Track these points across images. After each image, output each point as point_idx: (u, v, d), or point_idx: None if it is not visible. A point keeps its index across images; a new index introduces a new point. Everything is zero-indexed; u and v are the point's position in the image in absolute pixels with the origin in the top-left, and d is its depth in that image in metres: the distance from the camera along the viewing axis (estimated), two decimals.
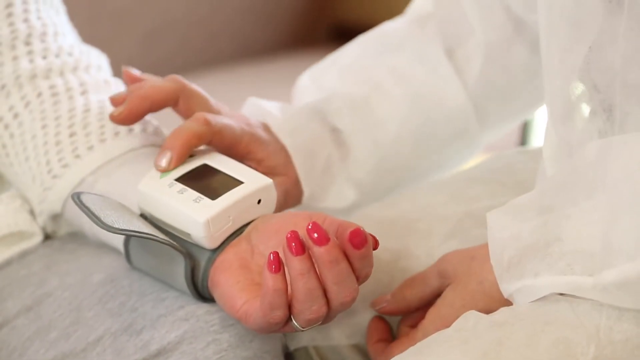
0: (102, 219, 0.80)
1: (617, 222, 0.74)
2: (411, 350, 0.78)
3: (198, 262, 0.83)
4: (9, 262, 0.95)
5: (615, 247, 0.73)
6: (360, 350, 0.94)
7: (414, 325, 0.87)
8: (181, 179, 0.85)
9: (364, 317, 0.93)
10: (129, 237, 0.87)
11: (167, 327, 0.83)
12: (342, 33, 4.74)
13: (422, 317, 0.86)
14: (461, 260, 0.84)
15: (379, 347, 0.89)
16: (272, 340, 0.85)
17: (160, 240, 0.81)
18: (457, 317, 0.79)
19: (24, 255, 0.96)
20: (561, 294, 0.77)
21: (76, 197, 0.83)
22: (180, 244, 0.83)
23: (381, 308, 0.88)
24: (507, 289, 0.79)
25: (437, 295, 0.86)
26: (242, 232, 0.84)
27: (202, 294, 0.84)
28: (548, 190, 0.79)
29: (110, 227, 0.79)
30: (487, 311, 0.79)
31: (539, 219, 0.78)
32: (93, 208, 0.81)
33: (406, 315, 0.89)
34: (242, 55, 4.33)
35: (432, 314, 0.84)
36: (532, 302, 0.77)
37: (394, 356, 0.80)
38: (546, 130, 0.85)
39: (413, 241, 0.95)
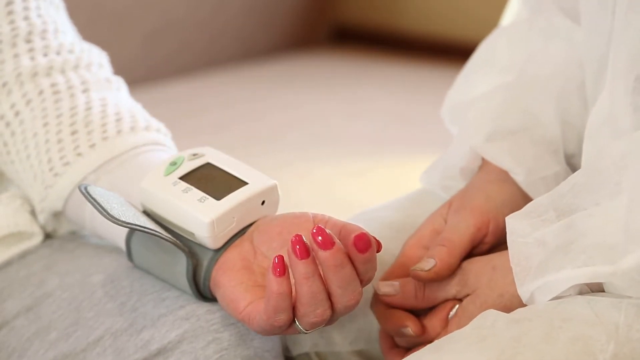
0: (108, 211, 0.80)
1: (636, 212, 0.74)
2: (429, 347, 0.77)
3: (200, 262, 0.82)
4: (9, 263, 0.95)
5: (635, 235, 0.74)
6: (363, 356, 0.93)
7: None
8: (185, 178, 0.84)
9: (367, 321, 0.92)
10: (131, 235, 0.87)
11: (167, 326, 0.83)
12: (342, 35, 4.75)
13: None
14: (482, 269, 0.83)
15: (397, 353, 0.88)
16: (272, 340, 0.85)
17: (164, 237, 0.81)
18: None
19: (24, 255, 0.96)
20: (580, 294, 0.77)
21: (83, 189, 0.82)
22: (182, 242, 0.83)
23: (389, 297, 0.86)
24: (527, 290, 0.78)
25: (450, 299, 0.85)
26: (244, 233, 0.83)
27: (204, 293, 0.83)
28: (568, 192, 0.79)
29: (116, 219, 0.79)
30: None
31: (561, 221, 0.78)
32: (100, 200, 0.81)
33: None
34: (243, 56, 4.33)
35: (452, 325, 0.83)
36: (550, 300, 0.77)
37: None
38: (602, 96, 0.85)
39: None
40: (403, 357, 0.85)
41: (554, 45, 0.97)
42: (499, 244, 0.87)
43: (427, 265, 0.84)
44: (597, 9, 0.86)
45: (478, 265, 0.84)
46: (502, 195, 0.90)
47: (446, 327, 0.84)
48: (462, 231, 0.86)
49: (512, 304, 0.80)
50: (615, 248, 0.75)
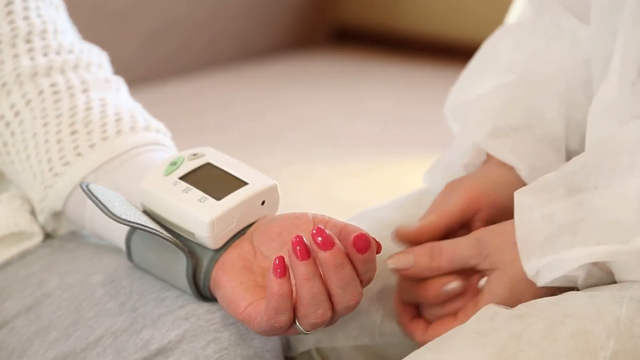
0: (110, 208, 0.80)
1: None
2: (430, 344, 0.78)
3: (200, 262, 0.82)
4: (9, 263, 0.95)
5: None
6: (364, 351, 0.93)
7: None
8: (185, 178, 0.84)
9: (370, 318, 0.92)
10: (131, 234, 0.87)
11: (167, 326, 0.83)
12: (342, 35, 4.75)
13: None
14: (503, 244, 0.83)
15: (418, 324, 0.87)
16: (272, 339, 0.85)
17: (165, 236, 0.81)
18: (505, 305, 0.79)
19: (24, 255, 0.96)
20: (587, 274, 0.77)
21: (85, 186, 0.82)
22: (182, 242, 0.83)
23: (404, 270, 0.85)
24: (534, 266, 0.79)
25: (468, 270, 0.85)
26: (244, 233, 0.83)
27: (203, 293, 0.83)
28: (579, 170, 0.80)
29: (117, 217, 0.79)
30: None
31: (571, 199, 0.78)
32: (102, 198, 0.81)
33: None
34: (242, 56, 4.34)
35: (481, 299, 0.83)
36: (550, 297, 0.77)
37: (439, 335, 0.79)
38: (604, 84, 0.85)
39: None
40: (426, 326, 0.85)
41: (556, 45, 0.98)
42: (495, 222, 0.87)
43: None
44: (608, 6, 0.86)
45: (497, 239, 0.83)
46: (500, 178, 0.90)
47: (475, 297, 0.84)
48: (453, 201, 0.87)
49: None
50: (628, 228, 0.75)
